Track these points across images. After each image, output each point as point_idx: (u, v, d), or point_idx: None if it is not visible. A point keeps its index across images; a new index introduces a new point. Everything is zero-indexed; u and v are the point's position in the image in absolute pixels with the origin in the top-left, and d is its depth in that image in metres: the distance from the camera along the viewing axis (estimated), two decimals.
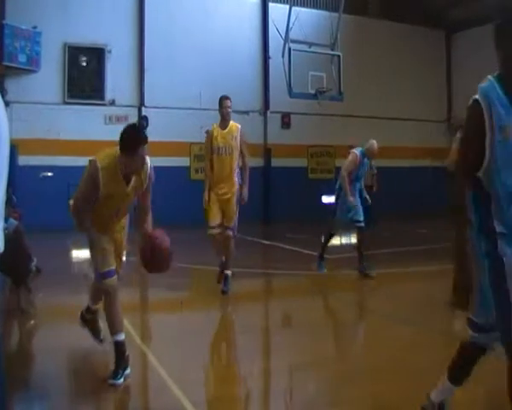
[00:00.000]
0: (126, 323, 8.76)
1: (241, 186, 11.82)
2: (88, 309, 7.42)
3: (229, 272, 11.25)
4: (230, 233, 11.37)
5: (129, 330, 8.52)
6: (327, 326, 9.42)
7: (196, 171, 26.90)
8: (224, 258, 11.46)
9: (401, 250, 15.57)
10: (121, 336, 6.64)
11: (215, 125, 11.94)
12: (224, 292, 11.05)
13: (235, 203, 11.68)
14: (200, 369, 7.10)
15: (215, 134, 11.72)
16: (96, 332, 7.47)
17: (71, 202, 6.74)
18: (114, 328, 6.63)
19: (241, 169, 12.06)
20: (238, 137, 11.78)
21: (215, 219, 11.56)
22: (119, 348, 6.60)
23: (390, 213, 25.03)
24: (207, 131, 12.25)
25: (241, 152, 11.88)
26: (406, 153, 29.97)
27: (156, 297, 12.14)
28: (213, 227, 11.51)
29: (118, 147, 6.36)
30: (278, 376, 7.16)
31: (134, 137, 6.41)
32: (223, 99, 12.29)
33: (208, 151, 11.87)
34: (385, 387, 6.40)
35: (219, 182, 11.74)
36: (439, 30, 33.94)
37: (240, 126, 11.99)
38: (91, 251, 6.72)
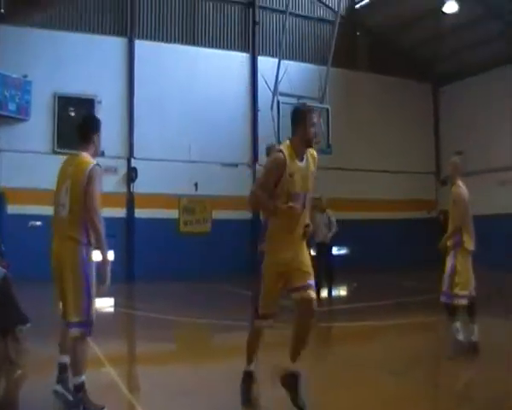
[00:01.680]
0: (114, 374, 8.69)
1: None
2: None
3: None
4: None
5: (116, 382, 8.44)
6: (315, 380, 9.32)
7: (185, 223, 26.87)
8: None
9: (386, 303, 15.43)
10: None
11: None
12: None
13: None
14: None
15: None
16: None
17: None
18: None
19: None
20: None
21: None
22: None
23: (375, 267, 25.05)
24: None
25: None
26: (395, 206, 30.01)
27: (145, 349, 12.00)
28: None
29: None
30: None
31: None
32: None
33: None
34: None
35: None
36: (426, 83, 34.23)
37: None
38: None
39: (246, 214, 27.77)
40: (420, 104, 34.01)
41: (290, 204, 6.86)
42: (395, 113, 32.37)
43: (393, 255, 27.15)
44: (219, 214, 27.41)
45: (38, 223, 22.71)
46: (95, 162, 6.98)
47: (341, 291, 23.10)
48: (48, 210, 23.46)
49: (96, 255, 6.91)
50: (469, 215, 10.85)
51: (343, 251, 28.39)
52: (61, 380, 7.24)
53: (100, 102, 24.96)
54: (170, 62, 26.85)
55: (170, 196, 26.12)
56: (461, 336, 10.15)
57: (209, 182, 26.89)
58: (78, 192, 6.84)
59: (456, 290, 10.25)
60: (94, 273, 6.90)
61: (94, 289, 6.86)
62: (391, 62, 32.20)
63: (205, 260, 25.99)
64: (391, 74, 32.16)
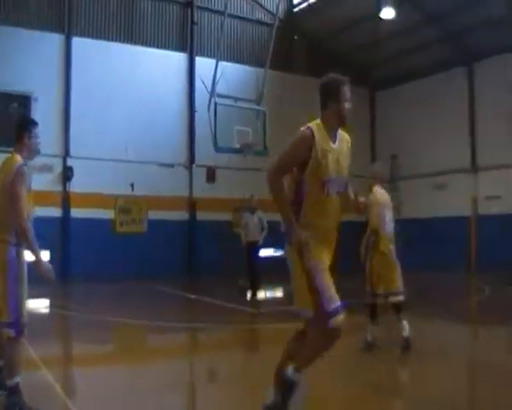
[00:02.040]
0: (50, 377, 8.65)
1: None
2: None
3: None
4: None
5: (52, 384, 8.40)
6: (253, 382, 9.39)
7: (121, 224, 26.72)
8: None
9: None
10: None
11: None
12: None
13: None
14: None
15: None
16: None
17: None
18: None
19: None
20: None
21: None
22: None
23: None
24: None
25: None
26: None
27: (80, 351, 11.92)
28: None
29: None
30: None
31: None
32: None
33: None
34: None
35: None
36: (363, 87, 34.57)
37: None
38: None
39: (182, 215, 27.83)
40: (356, 108, 34.00)
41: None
42: None
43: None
44: (155, 215, 27.33)
45: None
46: (21, 162, 6.93)
47: (277, 293, 23.27)
48: None
49: (29, 256, 6.86)
50: (385, 219, 11.15)
51: (279, 253, 28.48)
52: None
53: (36, 100, 24.64)
54: (108, 60, 26.67)
55: (106, 195, 25.95)
56: (370, 337, 10.72)
57: (145, 182, 26.82)
58: (4, 192, 6.80)
59: (379, 290, 10.83)
60: (25, 274, 6.88)
61: (22, 290, 6.81)
62: (328, 66, 31.82)
63: (141, 261, 25.91)
64: None
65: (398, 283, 10.95)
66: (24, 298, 6.87)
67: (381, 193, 11.37)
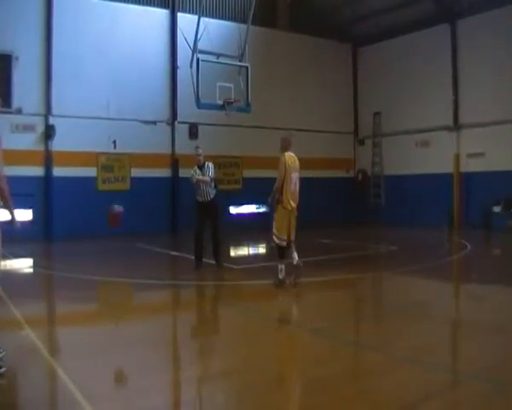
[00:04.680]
0: (33, 336, 8.66)
1: None
2: None
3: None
4: None
5: (36, 344, 8.41)
6: (235, 337, 9.44)
7: (104, 181, 26.61)
8: None
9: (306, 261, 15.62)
10: None
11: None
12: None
13: None
14: (109, 382, 7.04)
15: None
16: None
17: None
18: None
19: None
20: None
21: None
22: None
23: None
24: None
25: None
26: (314, 164, 30.08)
27: (63, 310, 11.93)
28: None
29: None
30: (187, 387, 7.15)
31: None
32: None
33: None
34: (291, 396, 6.48)
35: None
36: (346, 43, 34.51)
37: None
38: None
39: (165, 172, 27.77)
40: (340, 64, 34.29)
41: None
42: (315, 72, 32.61)
43: (312, 213, 27.30)
44: (138, 172, 27.24)
45: None
46: None
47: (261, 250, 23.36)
48: None
49: (4, 215, 7.14)
50: (289, 180, 13.22)
51: (263, 209, 28.57)
52: None
53: (17, 59, 24.37)
54: (89, 17, 26.34)
55: (88, 153, 25.82)
56: (281, 275, 12.96)
57: (128, 139, 26.68)
58: None
59: (275, 234, 13.13)
60: None
61: None
62: (311, 22, 32.28)
63: (124, 219, 25.91)
64: (311, 34, 32.30)
65: (292, 235, 13.25)
66: None
67: (289, 156, 13.49)
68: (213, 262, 16.14)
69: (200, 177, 16.24)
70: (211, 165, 16.68)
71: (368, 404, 6.21)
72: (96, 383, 6.86)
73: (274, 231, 13.15)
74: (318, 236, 23.91)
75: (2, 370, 6.85)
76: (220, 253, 16.57)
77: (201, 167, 16.34)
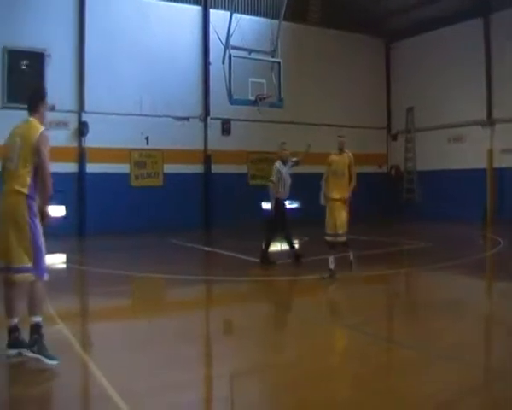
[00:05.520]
0: (66, 331, 8.70)
1: None
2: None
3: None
4: None
5: (69, 339, 8.45)
6: (268, 332, 9.43)
7: (136, 177, 26.71)
8: None
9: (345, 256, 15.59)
10: None
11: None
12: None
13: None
14: (142, 377, 7.04)
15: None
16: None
17: None
18: None
19: None
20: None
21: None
22: None
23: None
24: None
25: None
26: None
27: (97, 305, 11.98)
28: None
29: None
30: (221, 382, 7.15)
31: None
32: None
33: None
34: (325, 392, 6.45)
35: None
36: (378, 38, 34.31)
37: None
38: None
39: (197, 168, 27.80)
40: (372, 60, 34.10)
41: None
42: (347, 68, 32.44)
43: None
44: (171, 168, 27.31)
45: None
46: (43, 128, 7.72)
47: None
48: None
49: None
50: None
51: (295, 205, 28.50)
52: (13, 343, 7.46)
53: (49, 56, 24.51)
54: (121, 14, 26.43)
55: (121, 149, 25.93)
56: (331, 266, 13.48)
57: (160, 135, 26.74)
58: (27, 152, 7.44)
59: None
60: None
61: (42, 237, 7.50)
62: (343, 17, 32.13)
63: (156, 214, 25.98)
64: (343, 29, 32.16)
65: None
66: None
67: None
68: (249, 259, 16.14)
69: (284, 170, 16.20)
70: (294, 159, 16.71)
71: (402, 401, 6.18)
72: (129, 378, 6.87)
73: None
74: (351, 232, 23.82)
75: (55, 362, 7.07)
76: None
77: (285, 162, 16.16)
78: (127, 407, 5.88)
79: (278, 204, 16.13)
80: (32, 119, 7.76)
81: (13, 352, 7.39)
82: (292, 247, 16.48)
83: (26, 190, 7.30)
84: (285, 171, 16.02)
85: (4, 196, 7.43)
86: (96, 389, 6.66)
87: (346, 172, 14.06)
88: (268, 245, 16.04)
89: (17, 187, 7.29)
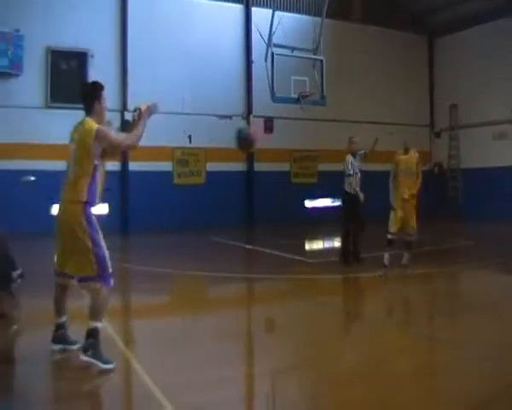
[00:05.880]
0: (109, 328, 8.74)
1: None
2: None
3: None
4: None
5: (112, 336, 8.49)
6: (309, 331, 9.40)
7: (179, 175, 26.82)
8: None
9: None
10: None
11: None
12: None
13: None
14: (184, 374, 7.04)
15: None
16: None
17: None
18: None
19: None
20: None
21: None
22: None
23: (372, 218, 25.18)
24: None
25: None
26: (390, 157, 29.73)
27: (139, 302, 12.05)
28: None
29: None
30: (262, 380, 7.13)
31: None
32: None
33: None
34: (366, 392, 6.41)
35: None
36: (421, 34, 34.08)
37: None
38: None
39: (240, 166, 27.84)
40: (415, 56, 33.88)
41: None
42: (390, 65, 32.25)
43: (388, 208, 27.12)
44: (213, 166, 27.41)
45: (32, 178, 22.54)
46: (97, 126, 7.31)
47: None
48: (41, 164, 23.31)
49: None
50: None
51: (337, 203, 28.47)
52: (58, 338, 7.58)
53: (92, 57, 24.74)
54: (163, 14, 26.60)
55: (164, 148, 26.05)
56: (386, 262, 13.74)
57: (203, 134, 26.84)
58: (83, 155, 7.21)
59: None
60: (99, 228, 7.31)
61: (103, 243, 7.31)
62: (386, 14, 31.97)
63: (199, 212, 26.07)
64: (386, 26, 32.00)
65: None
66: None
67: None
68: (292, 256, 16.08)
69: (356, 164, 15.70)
70: (362, 152, 16.10)
71: (438, 399, 6.13)
72: (171, 376, 6.90)
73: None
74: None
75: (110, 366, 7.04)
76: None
77: (355, 156, 15.92)
78: (169, 404, 5.89)
79: (351, 199, 15.60)
80: (87, 118, 7.44)
81: (56, 347, 7.48)
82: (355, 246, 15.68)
83: (82, 198, 7.12)
84: (356, 164, 15.72)
85: (61, 204, 7.31)
86: (138, 386, 6.69)
87: (415, 171, 14.08)
88: (346, 241, 15.70)
89: (72, 195, 7.16)
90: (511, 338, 8.54)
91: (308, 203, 29.95)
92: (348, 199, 15.63)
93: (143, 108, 7.90)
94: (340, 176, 15.92)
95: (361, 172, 15.69)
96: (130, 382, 7.11)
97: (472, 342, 8.29)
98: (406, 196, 13.88)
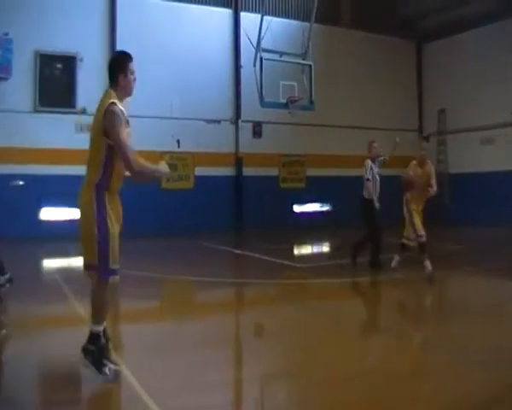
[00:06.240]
0: None
1: None
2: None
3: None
4: None
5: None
6: (299, 335, 9.38)
7: (167, 180, 26.78)
8: None
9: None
10: None
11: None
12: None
13: None
14: (172, 378, 7.02)
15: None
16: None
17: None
18: None
19: None
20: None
21: None
22: None
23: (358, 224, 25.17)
24: None
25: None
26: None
27: (128, 307, 12.00)
28: None
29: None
30: (251, 385, 7.12)
31: None
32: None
33: None
34: (356, 396, 6.40)
35: None
36: (409, 40, 34.19)
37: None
38: None
39: (228, 171, 27.83)
40: (403, 61, 33.98)
41: None
42: (378, 69, 32.35)
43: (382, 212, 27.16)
44: (202, 171, 27.40)
45: (21, 182, 22.43)
46: (111, 101, 6.70)
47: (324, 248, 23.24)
48: (30, 169, 23.24)
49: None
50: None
51: (326, 208, 28.51)
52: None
53: (81, 60, 24.76)
54: (152, 18, 26.64)
55: (152, 152, 25.94)
56: (393, 264, 14.53)
57: (191, 138, 26.82)
58: (97, 132, 6.65)
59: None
60: (113, 217, 6.65)
61: (112, 231, 6.56)
62: (375, 19, 32.05)
63: (188, 217, 26.06)
64: (374, 31, 32.10)
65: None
66: (114, 241, 6.60)
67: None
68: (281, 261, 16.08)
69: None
70: (381, 158, 16.11)
71: (436, 403, 6.13)
72: (158, 379, 6.87)
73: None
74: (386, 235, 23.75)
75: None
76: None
77: (374, 161, 15.73)
78: (156, 408, 5.87)
79: (368, 204, 15.49)
80: (110, 90, 6.90)
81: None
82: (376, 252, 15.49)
83: (95, 178, 6.48)
84: (376, 170, 15.64)
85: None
86: (125, 389, 6.68)
87: (430, 183, 14.46)
88: (374, 246, 15.48)
89: (89, 174, 6.59)
90: (504, 342, 8.55)
91: (296, 208, 29.97)
92: (365, 205, 15.52)
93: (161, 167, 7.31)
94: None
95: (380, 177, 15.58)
96: (118, 385, 7.07)
97: (467, 346, 8.28)
98: (416, 208, 14.76)
